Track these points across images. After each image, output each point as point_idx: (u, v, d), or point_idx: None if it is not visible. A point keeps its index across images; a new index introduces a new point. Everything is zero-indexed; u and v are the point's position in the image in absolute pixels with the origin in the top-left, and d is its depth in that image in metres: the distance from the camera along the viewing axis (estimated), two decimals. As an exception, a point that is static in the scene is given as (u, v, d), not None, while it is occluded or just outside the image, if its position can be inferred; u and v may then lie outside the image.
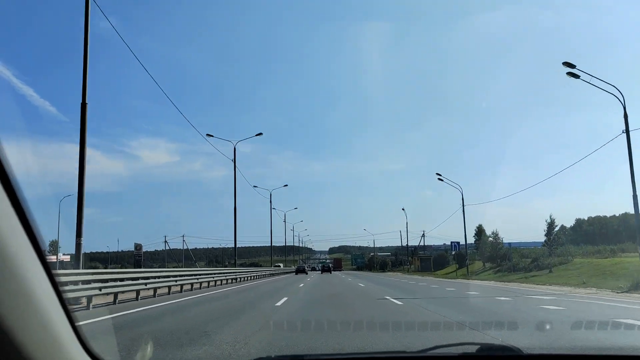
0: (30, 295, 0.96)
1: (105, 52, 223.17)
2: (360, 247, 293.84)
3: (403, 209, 75.12)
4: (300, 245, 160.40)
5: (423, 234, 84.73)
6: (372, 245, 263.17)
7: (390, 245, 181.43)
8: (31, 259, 0.98)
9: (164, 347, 6.35)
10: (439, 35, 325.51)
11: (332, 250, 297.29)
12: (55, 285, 1.07)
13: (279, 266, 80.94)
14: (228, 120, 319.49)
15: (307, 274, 63.24)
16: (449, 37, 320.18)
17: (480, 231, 52.64)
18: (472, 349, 2.18)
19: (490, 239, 48.74)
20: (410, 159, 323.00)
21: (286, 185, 73.94)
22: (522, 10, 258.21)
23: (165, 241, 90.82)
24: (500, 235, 48.86)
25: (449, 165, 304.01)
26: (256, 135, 42.43)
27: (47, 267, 1.04)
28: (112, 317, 10.18)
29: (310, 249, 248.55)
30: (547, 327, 8.38)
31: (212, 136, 37.72)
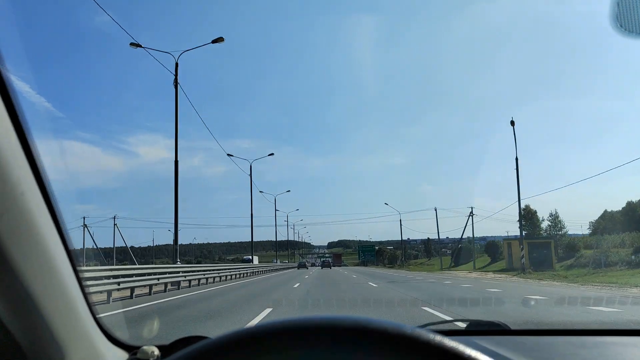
0: (59, 284, 1.09)
1: (104, 48, 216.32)
2: (360, 242, 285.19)
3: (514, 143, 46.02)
4: (299, 240, 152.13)
5: (471, 214, 55.92)
6: (372, 240, 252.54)
7: (390, 239, 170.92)
8: (61, 254, 1.10)
9: None
10: (437, 28, 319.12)
11: (330, 245, 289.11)
12: (79, 277, 1.20)
13: (251, 260, 63.36)
14: (227, 115, 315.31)
15: (307, 268, 69.92)
16: (448, 29, 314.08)
17: (529, 214, 40.47)
18: (462, 325, 2.20)
19: (547, 223, 37.58)
20: (409, 153, 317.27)
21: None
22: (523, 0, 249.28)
23: (84, 225, 68.17)
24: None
25: (449, 159, 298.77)
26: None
27: (73, 261, 1.16)
28: None
29: (308, 244, 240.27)
30: None
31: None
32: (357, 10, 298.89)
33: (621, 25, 2.39)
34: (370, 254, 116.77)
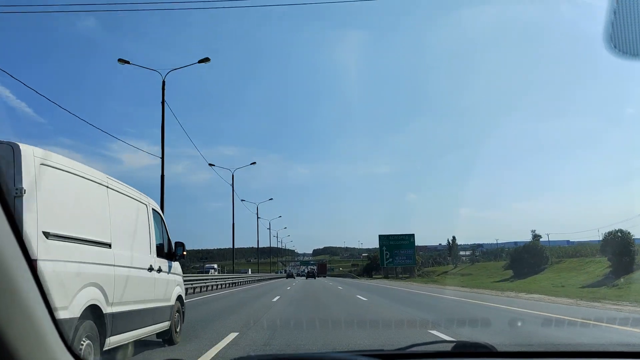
0: (15, 294, 1.00)
1: (86, 53, 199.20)
2: (347, 249, 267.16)
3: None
4: (283, 247, 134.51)
5: None
6: (363, 247, 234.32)
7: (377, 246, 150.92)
8: (18, 260, 1.03)
9: None
10: (422, 38, 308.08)
11: (316, 252, 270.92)
12: (42, 289, 1.11)
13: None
14: (212, 123, 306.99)
15: (294, 277, 78.54)
16: (432, 36, 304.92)
17: None
18: (447, 346, 2.18)
19: None
20: (394, 162, 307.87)
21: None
22: (509, 6, 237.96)
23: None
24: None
25: (433, 168, 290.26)
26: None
27: (35, 271, 1.08)
28: None
29: (292, 251, 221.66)
30: None
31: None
32: (344, 22, 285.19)
33: (615, 46, 2.38)
34: (405, 251, 66.15)
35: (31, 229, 4.12)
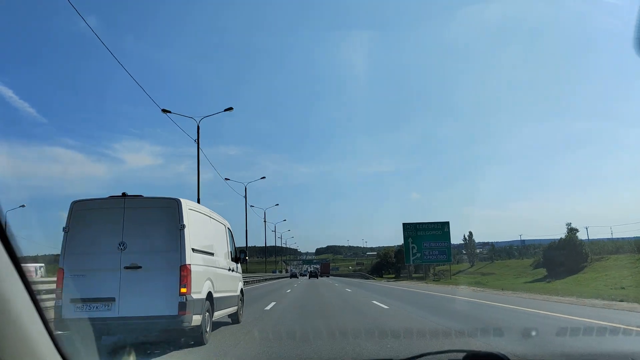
0: (4, 301, 0.98)
1: (89, 53, 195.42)
2: (351, 248, 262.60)
3: None
4: (284, 246, 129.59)
5: None
6: (362, 246, 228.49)
7: (385, 244, 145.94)
8: (5, 265, 1.00)
9: None
10: (425, 33, 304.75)
11: (319, 251, 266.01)
12: (31, 291, 1.08)
13: None
14: (211, 123, 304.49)
15: (298, 277, 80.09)
16: (435, 34, 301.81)
17: None
18: (459, 355, 2.11)
19: None
20: (398, 160, 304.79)
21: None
22: (518, 3, 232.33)
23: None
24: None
25: (438, 167, 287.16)
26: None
27: (22, 273, 1.05)
28: None
29: (295, 250, 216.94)
30: None
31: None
32: (346, 20, 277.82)
33: None
34: (437, 244, 51.18)
35: (187, 247, 7.59)
